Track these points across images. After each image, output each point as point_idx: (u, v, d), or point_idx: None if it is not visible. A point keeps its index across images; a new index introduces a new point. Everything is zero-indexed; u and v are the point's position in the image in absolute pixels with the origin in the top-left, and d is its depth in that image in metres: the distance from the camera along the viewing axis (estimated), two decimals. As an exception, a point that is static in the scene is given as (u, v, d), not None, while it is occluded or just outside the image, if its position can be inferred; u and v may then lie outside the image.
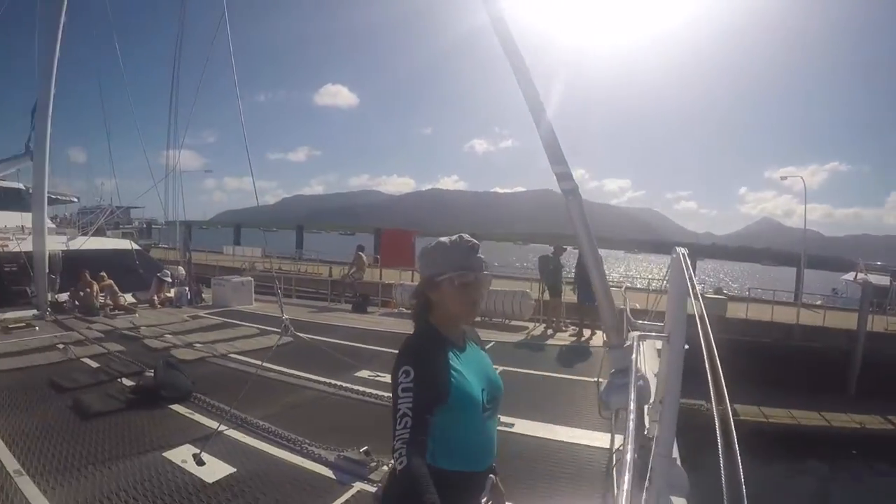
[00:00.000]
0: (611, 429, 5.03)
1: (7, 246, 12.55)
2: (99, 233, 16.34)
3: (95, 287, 12.27)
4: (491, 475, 1.78)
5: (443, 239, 1.76)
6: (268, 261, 23.28)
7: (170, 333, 9.98)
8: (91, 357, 8.38)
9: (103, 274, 12.70)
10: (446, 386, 1.59)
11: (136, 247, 15.70)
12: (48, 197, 18.34)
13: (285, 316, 7.26)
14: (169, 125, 15.57)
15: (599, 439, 5.23)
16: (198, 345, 9.05)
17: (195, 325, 10.98)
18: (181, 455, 4.90)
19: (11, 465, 4.74)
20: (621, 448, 2.60)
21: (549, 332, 11.25)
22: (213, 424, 5.49)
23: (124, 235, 19.30)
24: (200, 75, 11.98)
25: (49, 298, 11.94)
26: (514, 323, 11.93)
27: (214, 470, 4.62)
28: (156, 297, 13.30)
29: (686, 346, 2.20)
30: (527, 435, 5.39)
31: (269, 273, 14.44)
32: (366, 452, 4.49)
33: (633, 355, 2.59)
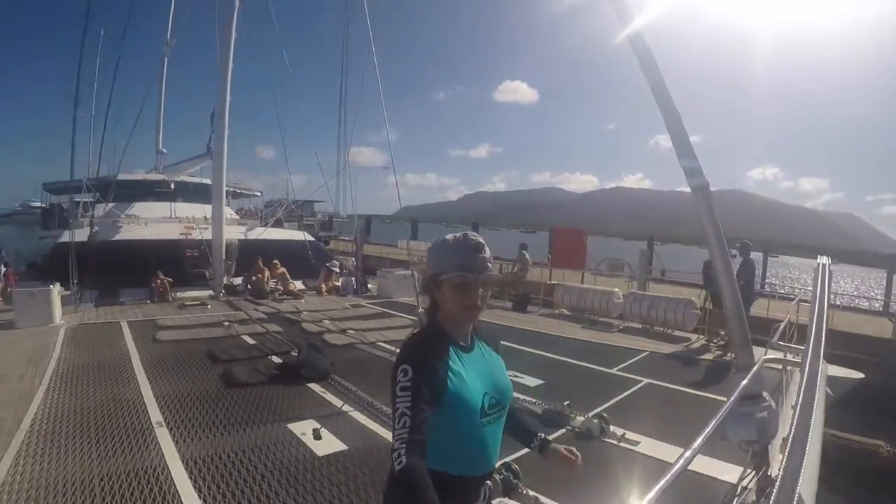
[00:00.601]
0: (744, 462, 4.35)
1: (191, 234, 15.03)
2: (277, 224, 18.73)
3: (267, 273, 14.01)
4: (488, 481, 1.84)
5: (447, 237, 1.81)
6: None
7: (328, 319, 10.91)
8: (250, 335, 9.46)
9: (276, 262, 14.50)
10: (442, 387, 1.64)
11: (309, 238, 17.69)
12: (234, 191, 21.61)
13: (420, 308, 7.47)
14: (339, 125, 17.28)
15: (729, 472, 4.54)
16: (350, 331, 9.74)
17: (353, 314, 11.88)
18: (303, 428, 5.34)
19: (155, 417, 5.68)
20: (745, 486, 2.34)
21: (709, 345, 10.22)
22: (338, 404, 5.98)
23: (305, 228, 21.76)
24: (362, 77, 13.31)
25: (224, 281, 14.06)
26: (675, 333, 11.11)
27: (328, 445, 5.02)
28: (323, 286, 14.77)
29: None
30: (650, 456, 5.00)
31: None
32: (568, 405, 4.90)
33: (765, 379, 2.36)
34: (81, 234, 13.27)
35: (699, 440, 1.64)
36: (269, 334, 9.51)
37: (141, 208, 17.37)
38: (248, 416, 5.73)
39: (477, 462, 1.78)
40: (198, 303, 12.48)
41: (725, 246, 2.52)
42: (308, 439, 5.11)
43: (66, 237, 13.29)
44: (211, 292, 13.56)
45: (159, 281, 12.95)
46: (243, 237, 15.74)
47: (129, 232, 15.07)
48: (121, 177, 17.57)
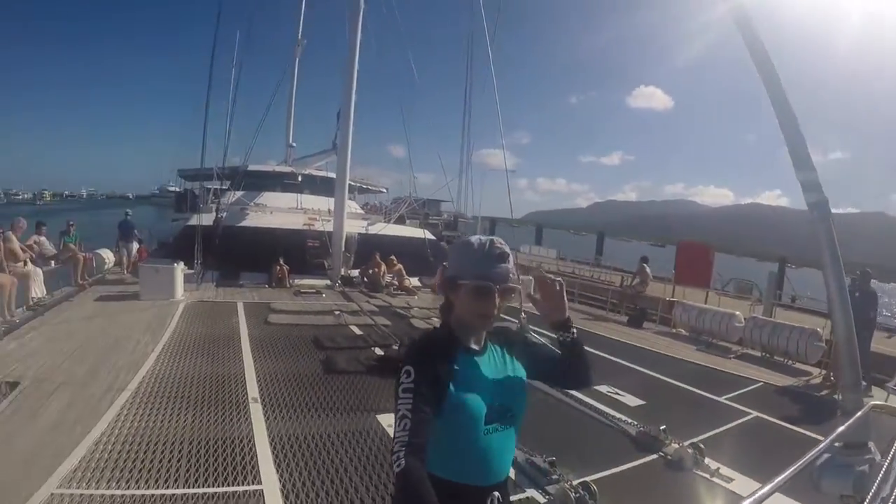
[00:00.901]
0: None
1: (314, 225, 15.97)
2: (399, 221, 19.36)
3: (383, 267, 14.52)
4: (496, 492, 1.77)
5: (472, 239, 1.81)
6: (560, 262, 23.65)
7: (437, 317, 10.97)
8: (358, 325, 9.79)
9: (393, 257, 15.04)
10: (442, 392, 1.64)
11: (430, 237, 18.08)
12: (360, 186, 22.61)
13: (522, 315, 7.86)
14: (463, 128, 17.53)
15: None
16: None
17: None
18: (391, 420, 5.25)
19: (253, 392, 6.03)
20: None
21: (831, 382, 9.04)
22: None
23: (430, 227, 22.33)
24: (483, 84, 13.43)
25: (342, 273, 14.76)
26: (796, 365, 10.22)
27: None
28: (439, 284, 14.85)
29: None
30: (740, 495, 4.42)
31: (552, 275, 15.05)
32: (551, 463, 4.54)
33: (875, 427, 2.15)
34: (209, 219, 14.60)
35: (778, 479, 1.42)
36: (377, 327, 9.74)
37: (268, 198, 18.69)
38: (340, 403, 5.90)
39: (482, 471, 1.75)
40: (313, 291, 13.17)
41: (842, 271, 2.30)
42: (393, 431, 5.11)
43: (194, 220, 14.65)
44: (328, 282, 14.28)
45: (279, 267, 13.80)
46: (364, 231, 16.46)
47: (255, 219, 16.27)
48: (251, 167, 19.15)
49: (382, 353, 7.82)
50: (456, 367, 1.70)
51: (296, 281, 14.02)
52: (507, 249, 1.77)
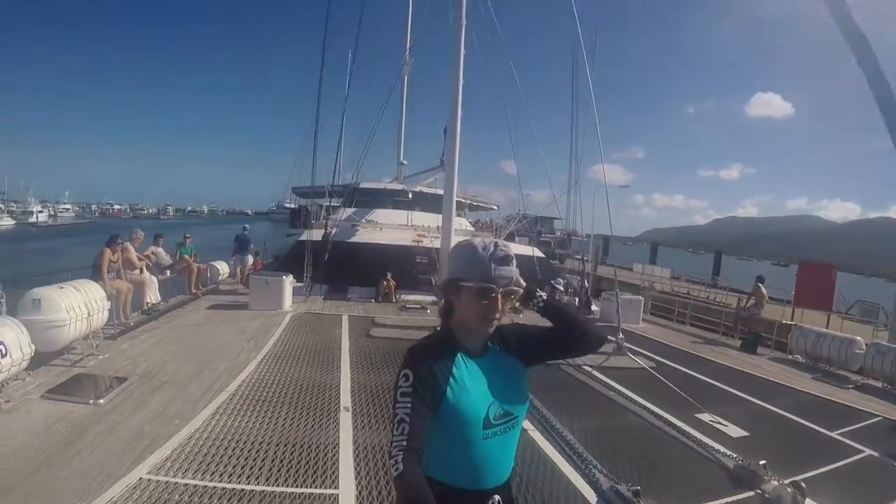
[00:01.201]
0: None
1: (422, 241, 16.52)
2: (509, 238, 19.41)
3: (489, 284, 14.44)
4: (496, 496, 1.81)
5: (476, 241, 1.84)
6: (674, 282, 22.81)
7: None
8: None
9: None
10: (440, 395, 1.69)
11: (538, 254, 17.99)
12: (470, 203, 22.94)
13: (620, 335, 8.00)
14: (571, 144, 17.35)
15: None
16: (563, 352, 9.64)
17: None
18: None
19: (345, 402, 6.33)
20: None
21: None
22: None
23: (542, 245, 22.21)
24: (589, 98, 13.32)
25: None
26: None
27: None
28: None
29: None
30: None
31: (665, 294, 14.44)
32: (635, 493, 4.37)
33: None
34: (320, 235, 15.44)
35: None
36: (484, 346, 9.82)
37: (380, 214, 19.54)
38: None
39: (481, 475, 1.77)
40: (418, 306, 13.53)
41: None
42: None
43: (305, 236, 15.66)
44: (434, 298, 14.54)
45: (386, 282, 14.27)
46: None
47: (365, 235, 17.06)
48: (363, 185, 20.16)
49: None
50: (455, 371, 1.75)
51: (402, 296, 14.44)
52: (511, 252, 1.82)
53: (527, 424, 5.77)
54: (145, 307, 10.48)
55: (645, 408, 6.97)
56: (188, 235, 14.31)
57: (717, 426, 6.59)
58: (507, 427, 1.79)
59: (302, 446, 4.93)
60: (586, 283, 15.96)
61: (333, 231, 16.19)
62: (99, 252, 9.30)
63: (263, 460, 4.58)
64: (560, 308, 1.94)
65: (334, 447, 4.97)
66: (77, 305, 7.02)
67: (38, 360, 6.62)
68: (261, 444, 4.91)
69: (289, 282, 12.25)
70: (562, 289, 14.98)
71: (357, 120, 23.81)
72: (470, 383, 1.75)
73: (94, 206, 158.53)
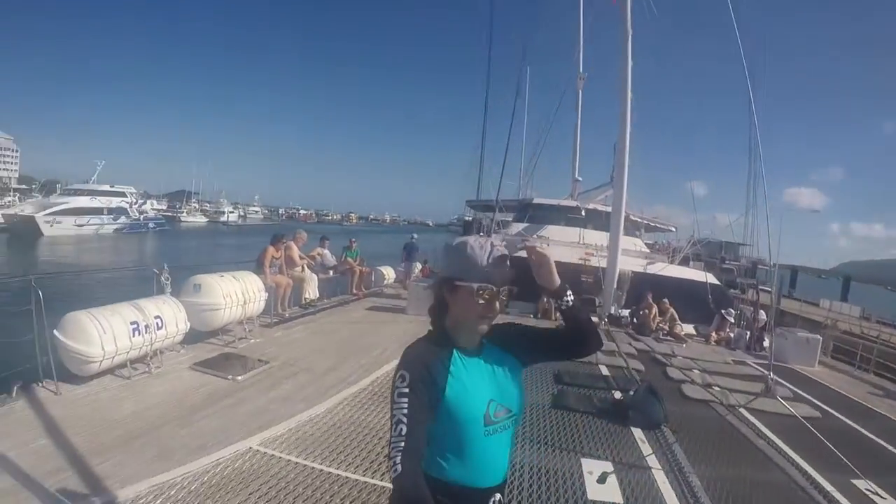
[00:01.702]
0: None
1: (590, 260, 16.09)
2: (684, 262, 18.20)
3: (654, 309, 13.87)
4: (497, 494, 1.84)
5: (471, 241, 1.84)
6: (863, 323, 20.17)
7: (698, 370, 10.12)
8: (608, 366, 9.52)
9: (665, 300, 14.37)
10: (439, 395, 1.70)
11: (713, 281, 16.72)
12: (647, 224, 21.95)
13: (771, 375, 7.48)
14: (750, 160, 16.12)
15: None
16: (716, 388, 8.80)
17: (729, 370, 10.72)
18: (593, 467, 5.16)
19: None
20: None
21: None
22: (645, 456, 5.56)
23: (724, 271, 20.71)
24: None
25: (612, 311, 14.47)
26: None
27: (605, 492, 4.70)
28: (714, 334, 13.86)
29: None
30: None
31: (850, 336, 12.71)
32: None
33: None
34: None
35: None
36: (627, 370, 9.35)
37: (552, 231, 19.34)
38: (550, 438, 5.84)
39: (482, 472, 1.79)
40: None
41: None
42: (591, 480, 4.89)
43: None
44: (595, 319, 14.08)
45: (545, 299, 14.06)
46: (642, 270, 16.07)
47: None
48: (536, 200, 20.22)
49: (620, 398, 7.49)
50: (453, 369, 1.75)
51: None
52: (506, 251, 1.83)
53: (652, 462, 5.43)
54: (304, 302, 11.47)
55: (791, 461, 6.18)
56: (353, 240, 15.42)
57: (875, 498, 5.59)
58: (506, 424, 1.81)
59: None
60: (764, 316, 14.52)
61: (502, 245, 16.42)
62: (263, 249, 10.29)
63: (369, 451, 4.75)
64: (581, 315, 1.89)
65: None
66: (233, 293, 7.98)
67: (196, 336, 7.59)
68: (371, 436, 5.09)
69: None
70: (732, 320, 13.87)
71: (533, 134, 23.93)
72: (469, 381, 1.75)
73: (281, 210, 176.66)
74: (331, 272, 13.55)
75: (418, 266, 17.82)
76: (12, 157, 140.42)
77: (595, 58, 23.93)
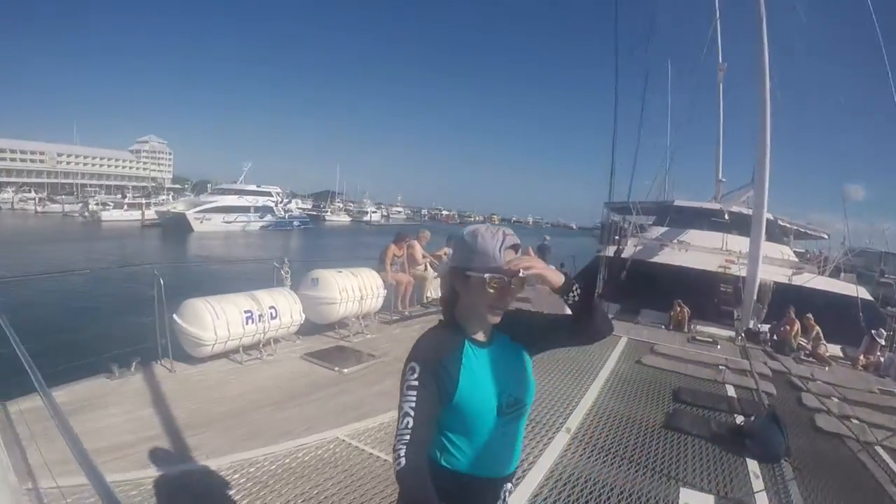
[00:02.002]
0: None
1: (730, 268, 15.00)
2: (834, 274, 16.54)
3: (797, 326, 12.60)
4: (509, 483, 1.89)
5: (482, 229, 1.82)
6: None
7: (838, 398, 9.08)
8: (736, 386, 8.83)
9: (809, 316, 12.98)
10: (452, 386, 1.71)
11: (865, 296, 15.10)
12: (797, 229, 20.16)
13: None
14: None
15: None
16: (854, 420, 7.85)
17: (874, 401, 9.34)
18: (691, 499, 4.81)
19: (571, 423, 6.16)
20: None
21: None
22: (757, 491, 5.10)
23: (882, 286, 18.57)
24: None
25: (751, 325, 13.34)
26: None
27: None
28: (862, 357, 12.39)
29: None
30: None
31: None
32: None
33: None
34: (628, 252, 15.07)
35: None
36: (757, 392, 8.61)
37: (693, 235, 18.27)
38: (651, 460, 5.50)
39: (495, 463, 1.81)
40: (710, 340, 12.32)
41: None
42: (678, 511, 4.59)
43: (608, 252, 15.54)
44: (732, 333, 13.21)
45: (678, 309, 13.41)
46: (786, 281, 14.78)
47: (667, 256, 16.22)
48: (677, 202, 19.25)
49: (741, 424, 6.93)
50: (465, 360, 1.76)
51: (696, 327, 13.37)
52: (518, 241, 1.81)
53: (761, 500, 4.98)
54: (425, 300, 11.70)
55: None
56: None
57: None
58: (517, 415, 1.85)
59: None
60: None
61: (636, 248, 15.76)
62: (385, 246, 10.61)
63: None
64: (590, 302, 1.85)
65: (525, 470, 4.82)
66: (350, 288, 8.35)
67: (312, 328, 8.12)
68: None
69: None
70: (882, 342, 12.37)
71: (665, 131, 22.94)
72: (481, 372, 1.77)
73: (424, 211, 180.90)
74: None
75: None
76: (167, 159, 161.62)
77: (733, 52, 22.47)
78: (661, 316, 13.66)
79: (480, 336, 1.86)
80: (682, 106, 23.70)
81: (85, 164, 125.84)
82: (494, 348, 1.86)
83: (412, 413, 1.61)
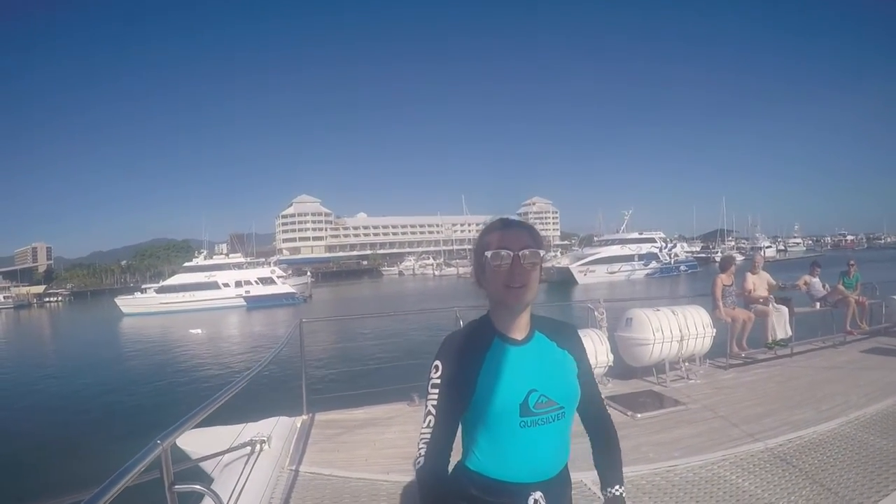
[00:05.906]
0: None
1: None
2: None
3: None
4: (538, 492, 1.74)
5: (497, 218, 1.87)
6: None
7: None
8: None
9: None
10: (471, 384, 1.72)
11: None
12: None
13: None
14: None
15: None
16: None
17: None
18: None
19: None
20: None
21: None
22: None
23: None
24: None
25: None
26: None
27: None
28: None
29: None
30: None
31: None
32: None
33: None
34: None
35: None
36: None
37: None
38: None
39: (518, 466, 1.73)
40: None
41: None
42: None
43: None
44: None
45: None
46: None
47: None
48: None
49: None
50: (489, 356, 1.76)
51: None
52: (529, 223, 1.85)
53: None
54: (769, 341, 9.74)
55: None
56: (852, 262, 12.29)
57: None
58: (551, 417, 1.75)
59: None
60: None
61: None
62: (713, 278, 9.70)
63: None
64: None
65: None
66: (666, 328, 7.89)
67: (627, 371, 8.16)
68: None
69: None
70: None
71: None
72: (506, 369, 1.74)
73: (826, 238, 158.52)
74: (817, 304, 11.53)
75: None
76: (552, 218, 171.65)
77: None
78: None
79: (513, 333, 1.82)
80: None
81: (471, 231, 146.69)
82: (530, 346, 1.82)
83: (434, 411, 1.69)
